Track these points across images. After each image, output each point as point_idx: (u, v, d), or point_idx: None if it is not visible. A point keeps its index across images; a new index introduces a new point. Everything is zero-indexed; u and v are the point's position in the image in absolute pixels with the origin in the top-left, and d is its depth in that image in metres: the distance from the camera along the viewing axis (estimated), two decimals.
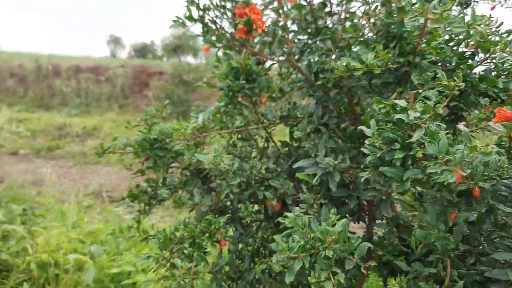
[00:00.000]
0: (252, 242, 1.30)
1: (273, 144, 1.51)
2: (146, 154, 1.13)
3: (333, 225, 0.87)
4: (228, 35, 1.03)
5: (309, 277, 1.30)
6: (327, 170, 1.13)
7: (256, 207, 1.34)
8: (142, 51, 24.94)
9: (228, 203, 1.36)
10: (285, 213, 0.94)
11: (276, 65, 1.50)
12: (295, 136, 1.24)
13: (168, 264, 1.14)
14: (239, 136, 1.51)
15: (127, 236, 1.12)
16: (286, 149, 1.47)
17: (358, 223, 1.34)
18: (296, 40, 1.45)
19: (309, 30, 1.44)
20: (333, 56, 1.34)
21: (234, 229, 1.27)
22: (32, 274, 2.85)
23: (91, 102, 11.89)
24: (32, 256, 2.90)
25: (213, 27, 1.00)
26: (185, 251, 1.01)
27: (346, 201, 1.23)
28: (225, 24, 1.02)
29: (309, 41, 1.44)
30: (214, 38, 1.02)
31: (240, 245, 1.25)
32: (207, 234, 1.04)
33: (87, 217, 3.58)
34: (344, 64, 1.02)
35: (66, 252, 2.85)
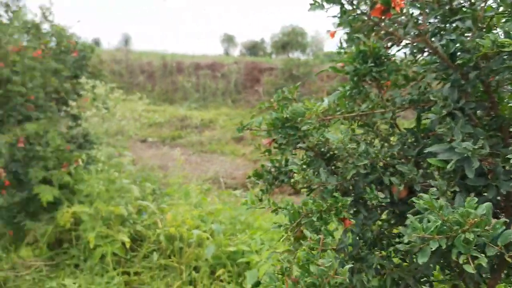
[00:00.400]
0: (376, 228, 1.29)
1: (398, 131, 1.46)
2: (278, 132, 1.21)
3: (475, 208, 0.82)
4: (364, 16, 1.04)
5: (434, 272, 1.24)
6: (464, 155, 1.06)
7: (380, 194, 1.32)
8: (252, 48, 25.99)
9: (351, 187, 1.36)
10: (413, 198, 0.92)
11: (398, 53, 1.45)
12: (430, 119, 1.18)
13: (293, 238, 1.20)
14: (360, 123, 1.50)
15: (257, 207, 1.21)
16: (413, 136, 1.41)
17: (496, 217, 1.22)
18: (428, 23, 1.38)
19: (441, 12, 1.35)
20: (473, 36, 1.24)
21: (357, 210, 1.28)
22: (161, 245, 3.25)
23: (208, 96, 12.89)
24: (161, 229, 3.30)
25: (350, 8, 1.02)
26: (313, 225, 1.06)
27: (483, 191, 1.14)
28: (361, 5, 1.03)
29: (442, 24, 1.36)
30: (350, 19, 1.04)
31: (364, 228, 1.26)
32: (333, 211, 1.08)
33: (207, 198, 3.93)
34: (492, 39, 0.94)
35: (190, 228, 3.18)
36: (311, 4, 1.05)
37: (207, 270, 2.83)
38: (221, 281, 2.72)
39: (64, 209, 3.29)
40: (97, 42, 18.47)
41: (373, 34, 1.26)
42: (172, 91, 13.78)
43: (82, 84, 3.19)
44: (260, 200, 1.70)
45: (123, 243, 3.10)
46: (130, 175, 4.24)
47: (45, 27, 3.66)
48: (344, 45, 1.42)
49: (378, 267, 1.19)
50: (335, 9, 1.04)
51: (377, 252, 1.32)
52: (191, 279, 2.83)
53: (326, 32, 1.36)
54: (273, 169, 1.53)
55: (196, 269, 2.91)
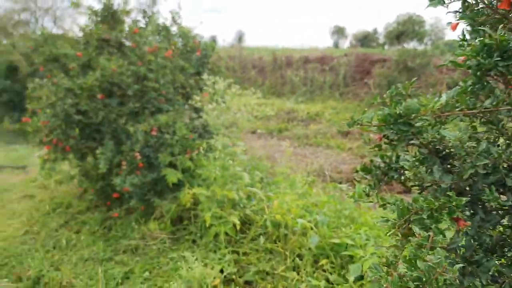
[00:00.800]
0: (496, 233, 1.21)
1: None
2: (390, 128, 1.21)
3: None
4: (488, 10, 0.99)
5: None
6: None
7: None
8: (364, 39, 24.93)
9: (467, 188, 1.30)
10: None
11: None
12: None
13: (400, 235, 1.21)
14: (483, 120, 1.40)
15: (364, 201, 1.25)
16: None
17: None
18: None
19: None
20: None
21: (473, 212, 1.21)
22: (267, 230, 3.43)
23: (315, 90, 12.90)
24: (268, 215, 3.49)
25: (473, 1, 0.98)
26: (423, 222, 1.05)
27: None
28: None
29: None
30: (473, 13, 1.00)
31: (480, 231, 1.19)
32: (445, 210, 1.06)
33: (313, 189, 4.01)
34: None
35: (295, 217, 3.30)
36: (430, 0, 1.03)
37: (310, 258, 2.92)
38: (324, 271, 2.78)
39: (185, 190, 3.71)
40: (213, 40, 19.90)
41: (500, 26, 1.17)
42: (281, 85, 14.14)
43: (204, 80, 3.54)
44: (367, 195, 1.71)
45: (234, 225, 3.38)
46: (241, 164, 4.56)
47: (174, 29, 4.15)
48: (468, 37, 1.34)
49: (496, 274, 1.12)
50: (457, 4, 1.01)
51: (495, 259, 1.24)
52: (294, 265, 2.95)
53: (446, 24, 1.31)
54: (382, 165, 1.53)
55: (300, 256, 3.03)
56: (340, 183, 5.30)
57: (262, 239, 3.34)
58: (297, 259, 2.98)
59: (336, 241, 2.83)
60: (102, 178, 4.15)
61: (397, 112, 1.17)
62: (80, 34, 4.07)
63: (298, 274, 2.84)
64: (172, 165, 3.84)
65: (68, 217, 4.42)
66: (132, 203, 3.74)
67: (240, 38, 23.06)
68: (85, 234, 3.96)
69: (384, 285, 0.98)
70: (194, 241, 3.58)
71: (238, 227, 3.37)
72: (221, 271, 3.03)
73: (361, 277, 2.29)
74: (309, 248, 3.04)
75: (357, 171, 1.67)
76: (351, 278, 2.28)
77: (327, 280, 2.64)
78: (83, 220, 4.27)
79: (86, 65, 3.94)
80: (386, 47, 18.85)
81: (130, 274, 3.23)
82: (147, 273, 3.18)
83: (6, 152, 7.94)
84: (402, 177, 1.48)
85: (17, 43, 9.82)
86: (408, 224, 1.09)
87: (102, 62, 3.53)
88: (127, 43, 3.95)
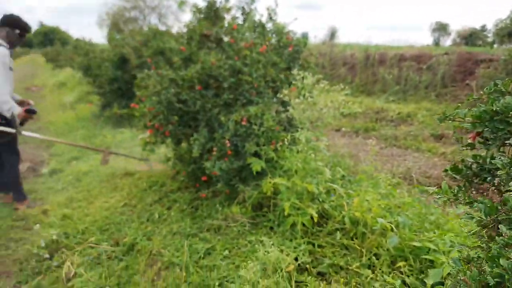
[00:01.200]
0: None
1: None
2: (484, 126, 1.18)
3: None
4: None
5: None
6: None
7: None
8: (469, 37, 22.69)
9: None
10: None
11: None
12: None
13: (486, 236, 1.18)
14: None
15: (451, 198, 1.23)
16: None
17: None
18: None
19: None
20: None
21: None
22: (344, 226, 3.43)
23: (409, 89, 12.19)
24: (347, 212, 3.48)
25: None
26: None
27: None
28: None
29: None
30: None
31: None
32: None
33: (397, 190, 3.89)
34: None
35: (375, 216, 3.25)
36: None
37: (387, 259, 2.86)
38: (401, 273, 2.71)
39: (267, 179, 3.87)
40: (305, 36, 19.89)
41: None
42: (371, 83, 13.64)
43: (293, 75, 3.65)
44: (455, 196, 1.66)
45: (311, 217, 3.45)
46: (323, 159, 4.58)
47: (269, 25, 4.32)
48: None
49: None
50: None
51: None
52: (370, 264, 2.93)
53: None
54: (474, 165, 1.47)
55: (376, 255, 2.98)
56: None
57: (338, 234, 3.36)
58: (373, 257, 2.95)
59: (417, 244, 2.73)
60: (194, 162, 4.52)
61: (494, 109, 1.13)
62: (184, 30, 4.46)
63: (373, 272, 2.82)
64: (256, 154, 4.03)
65: (162, 195, 4.89)
66: (219, 186, 4.03)
67: (332, 34, 22.73)
68: (175, 210, 4.36)
69: (462, 278, 0.98)
70: (271, 228, 3.72)
71: (315, 220, 3.43)
72: (296, 259, 3.12)
73: (441, 284, 2.20)
74: (387, 249, 2.98)
75: (445, 171, 1.63)
76: (430, 283, 2.20)
77: (404, 282, 2.58)
78: (174, 198, 4.69)
79: (188, 58, 4.32)
80: (495, 45, 16.94)
81: (212, 250, 3.50)
82: (226, 252, 3.42)
83: (113, 134, 8.96)
84: (496, 180, 1.41)
85: (127, 38, 10.95)
86: (496, 224, 1.05)
87: (203, 56, 3.85)
88: (225, 38, 4.23)
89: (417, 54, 13.36)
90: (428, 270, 2.34)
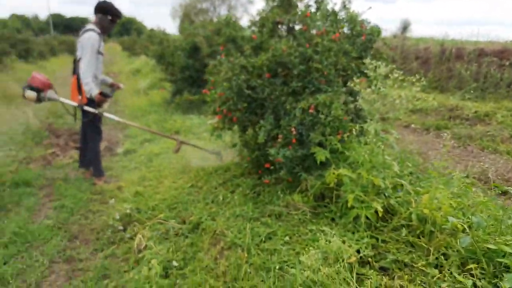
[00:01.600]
0: None
1: None
2: None
3: None
4: None
5: None
6: None
7: None
8: None
9: None
10: None
11: None
12: None
13: None
14: None
15: None
16: None
17: None
18: None
19: None
20: None
21: None
22: (411, 223, 3.32)
23: (488, 87, 11.23)
24: (414, 208, 3.36)
25: None
26: None
27: None
28: None
29: None
30: None
31: None
32: None
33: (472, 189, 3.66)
34: None
35: (445, 215, 3.10)
36: None
37: (457, 260, 2.73)
38: (472, 275, 2.58)
39: (331, 170, 3.84)
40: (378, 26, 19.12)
41: None
42: (446, 79, 12.76)
43: (365, 65, 3.56)
44: None
45: (376, 211, 3.38)
46: (391, 154, 4.43)
47: (342, 14, 4.25)
48: None
49: None
50: None
51: None
52: (437, 263, 2.81)
53: None
54: None
55: (445, 255, 2.86)
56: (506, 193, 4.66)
57: (404, 231, 3.27)
58: (441, 257, 2.83)
59: (492, 246, 2.57)
60: (258, 149, 4.63)
61: None
62: (257, 18, 4.55)
63: (440, 272, 2.71)
64: (321, 144, 4.01)
65: (226, 178, 5.09)
66: (282, 173, 4.09)
67: (405, 27, 21.58)
68: (238, 194, 4.52)
69: None
70: (333, 219, 3.72)
71: (380, 214, 3.36)
72: (358, 251, 3.10)
73: None
74: (457, 250, 2.84)
75: None
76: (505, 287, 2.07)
77: (475, 285, 2.45)
78: (237, 183, 4.85)
79: (258, 47, 4.41)
80: None
81: (273, 235, 3.59)
82: (287, 238, 3.48)
83: (182, 120, 9.43)
84: None
85: (198, 28, 11.38)
86: None
87: (274, 43, 3.91)
88: (297, 26, 4.25)
89: (500, 49, 12.22)
90: (503, 274, 2.20)
